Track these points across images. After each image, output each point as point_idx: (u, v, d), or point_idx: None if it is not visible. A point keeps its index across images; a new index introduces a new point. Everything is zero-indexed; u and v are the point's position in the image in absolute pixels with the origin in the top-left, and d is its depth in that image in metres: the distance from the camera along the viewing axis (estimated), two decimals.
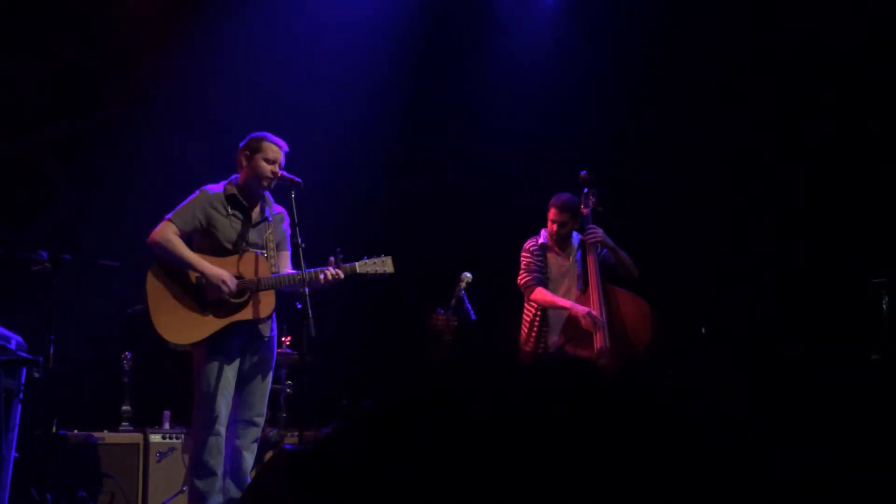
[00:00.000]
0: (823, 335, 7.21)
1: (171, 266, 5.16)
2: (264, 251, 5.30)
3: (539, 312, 6.38)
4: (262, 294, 5.19)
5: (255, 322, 5.22)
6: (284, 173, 5.27)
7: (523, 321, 6.48)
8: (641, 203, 8.12)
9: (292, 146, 5.41)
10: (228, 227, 5.24)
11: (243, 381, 5.27)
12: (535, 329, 6.37)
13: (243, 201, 5.29)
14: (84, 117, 7.63)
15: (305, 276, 5.10)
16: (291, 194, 5.22)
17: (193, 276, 5.15)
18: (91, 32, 7.59)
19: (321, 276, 5.18)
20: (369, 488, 1.15)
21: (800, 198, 7.81)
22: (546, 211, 6.47)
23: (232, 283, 5.09)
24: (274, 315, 5.37)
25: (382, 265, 5.39)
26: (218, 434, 5.16)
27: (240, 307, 5.17)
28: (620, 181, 7.67)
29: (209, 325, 5.13)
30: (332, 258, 5.26)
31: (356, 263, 5.34)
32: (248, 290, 5.18)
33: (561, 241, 6.47)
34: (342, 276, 5.26)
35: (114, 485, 6.31)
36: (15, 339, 5.39)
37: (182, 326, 5.12)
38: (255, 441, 5.33)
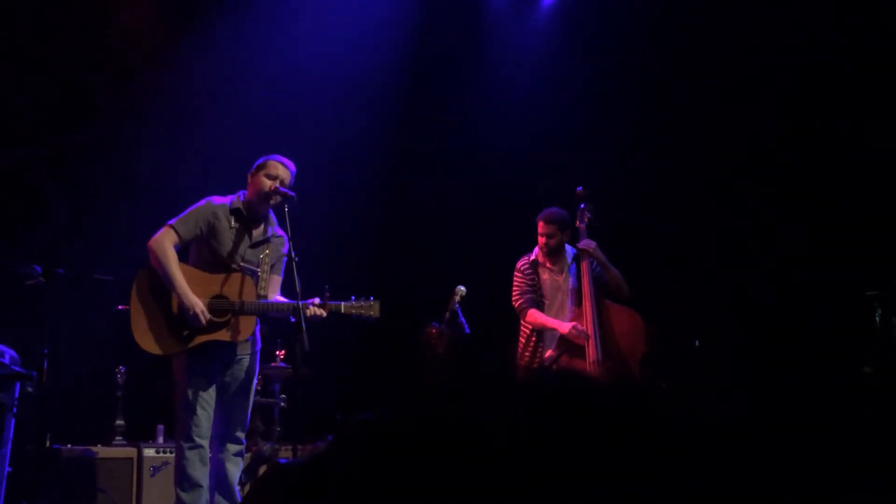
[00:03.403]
0: (817, 348, 7.22)
1: (159, 276, 5.17)
2: (258, 270, 5.30)
3: (535, 330, 6.43)
4: (242, 318, 5.18)
5: (233, 343, 5.22)
6: (279, 188, 5.28)
7: (520, 338, 6.52)
8: (636, 217, 8.13)
9: (291, 162, 5.42)
10: (228, 240, 5.24)
11: (225, 396, 5.26)
12: (530, 344, 6.43)
13: (247, 217, 5.31)
14: (78, 133, 7.63)
15: (298, 301, 5.08)
16: (285, 208, 5.23)
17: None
18: (85, 48, 7.59)
19: (307, 312, 5.14)
20: (362, 502, 1.16)
21: (793, 211, 7.83)
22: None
23: (205, 317, 5.07)
24: (258, 332, 5.37)
25: (369, 309, 5.33)
26: (200, 447, 5.16)
27: (218, 327, 5.14)
28: (614, 195, 7.69)
29: (184, 341, 5.12)
30: (317, 299, 5.23)
31: (342, 304, 5.29)
32: (230, 311, 5.17)
33: (552, 254, 6.49)
34: (325, 314, 5.23)
35: (107, 499, 6.29)
36: (8, 354, 5.39)
37: (158, 337, 5.12)
38: (239, 454, 5.32)
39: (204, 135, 7.71)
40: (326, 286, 5.24)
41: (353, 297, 5.35)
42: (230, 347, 5.23)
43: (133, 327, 5.12)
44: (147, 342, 5.12)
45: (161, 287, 5.15)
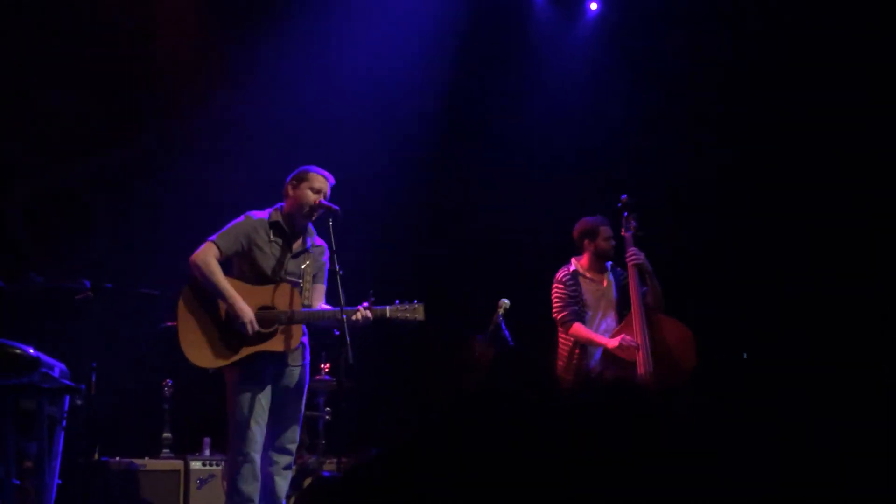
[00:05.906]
0: (851, 351, 7.13)
1: (205, 289, 5.21)
2: (300, 281, 5.32)
3: (577, 343, 6.36)
4: (289, 328, 5.21)
5: (282, 353, 5.24)
6: (323, 201, 5.31)
7: (560, 351, 6.45)
8: (680, 229, 8.08)
9: (330, 174, 5.44)
10: (269, 254, 5.28)
11: (275, 408, 5.28)
12: (574, 359, 6.34)
13: (286, 230, 5.34)
14: (125, 148, 7.72)
15: (341, 311, 5.09)
16: (329, 222, 5.26)
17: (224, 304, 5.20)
18: (132, 64, 7.68)
19: (353, 317, 5.19)
20: None
21: (829, 217, 7.74)
22: (577, 240, 6.50)
23: (253, 327, 5.11)
24: (307, 343, 5.39)
25: (413, 312, 5.36)
26: (252, 461, 5.17)
27: (267, 337, 5.18)
28: (659, 206, 7.64)
29: (233, 352, 5.16)
30: (364, 303, 5.25)
31: (387, 308, 5.32)
32: (278, 321, 5.20)
33: (601, 259, 6.45)
34: (371, 318, 5.26)
35: None
36: (58, 367, 5.44)
37: (206, 349, 5.16)
38: (288, 467, 5.34)
39: (250, 149, 7.77)
40: (371, 290, 5.27)
41: (398, 301, 5.37)
42: (279, 358, 5.25)
43: (182, 341, 5.17)
44: (196, 355, 5.17)
45: (207, 300, 5.20)
